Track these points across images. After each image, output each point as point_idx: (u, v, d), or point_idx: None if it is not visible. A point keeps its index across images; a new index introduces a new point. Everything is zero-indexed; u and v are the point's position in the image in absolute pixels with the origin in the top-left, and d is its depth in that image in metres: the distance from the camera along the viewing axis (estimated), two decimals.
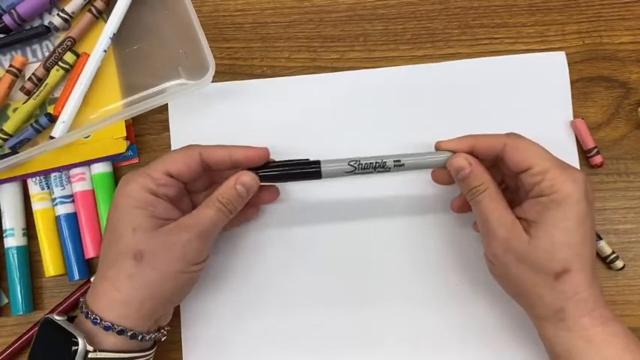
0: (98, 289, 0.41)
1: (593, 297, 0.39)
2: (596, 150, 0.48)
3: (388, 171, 0.43)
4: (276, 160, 0.45)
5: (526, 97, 0.49)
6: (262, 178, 0.44)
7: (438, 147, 0.44)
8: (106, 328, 0.39)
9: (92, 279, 0.48)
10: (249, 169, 0.43)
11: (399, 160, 0.43)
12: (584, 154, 0.49)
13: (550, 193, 0.39)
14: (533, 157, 0.41)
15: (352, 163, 0.43)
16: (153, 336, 0.42)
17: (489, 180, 0.42)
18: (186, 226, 0.41)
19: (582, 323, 0.39)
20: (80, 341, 0.39)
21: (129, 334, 0.40)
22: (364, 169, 0.43)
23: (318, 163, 0.43)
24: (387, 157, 0.43)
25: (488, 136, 0.43)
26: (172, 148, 0.50)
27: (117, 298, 0.40)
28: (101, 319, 0.40)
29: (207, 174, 0.45)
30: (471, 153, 0.43)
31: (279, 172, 0.44)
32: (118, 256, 0.40)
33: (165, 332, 0.44)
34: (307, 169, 0.43)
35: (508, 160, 0.41)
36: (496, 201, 0.41)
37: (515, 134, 0.42)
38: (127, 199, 0.41)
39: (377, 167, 0.43)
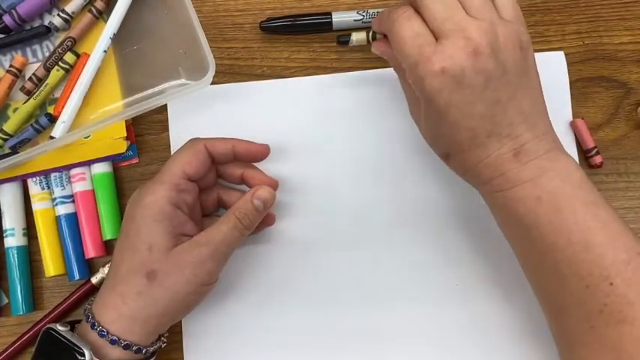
0: (107, 301, 0.41)
1: (487, 169, 0.38)
2: (595, 150, 0.48)
3: None
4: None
5: None
6: (274, 29, 0.48)
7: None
8: (112, 342, 0.40)
9: (93, 280, 0.48)
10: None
11: None
12: (584, 154, 0.49)
13: (415, 90, 0.39)
14: (401, 56, 0.39)
15: (360, 12, 0.48)
16: (155, 347, 0.42)
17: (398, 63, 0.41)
18: (200, 244, 0.41)
19: (492, 186, 0.39)
20: (87, 353, 0.39)
21: (134, 348, 0.40)
22: (372, 17, 0.48)
23: (329, 14, 0.49)
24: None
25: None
26: (172, 149, 0.50)
27: (125, 312, 0.40)
28: (108, 332, 0.40)
29: (212, 168, 0.46)
30: None
31: (291, 22, 0.48)
32: (130, 271, 0.41)
33: (164, 340, 0.44)
34: (319, 20, 0.49)
35: None
36: (407, 84, 0.41)
37: (395, 14, 0.39)
38: (146, 211, 0.41)
39: None
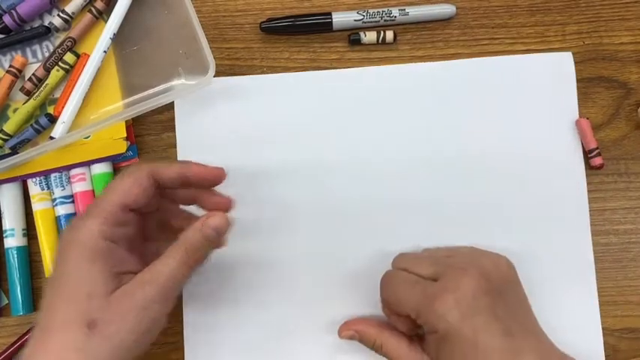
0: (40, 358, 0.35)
1: None
2: (597, 151, 0.48)
3: (394, 20, 0.49)
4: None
5: (532, 97, 0.49)
6: (275, 29, 0.49)
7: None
8: None
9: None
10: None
11: (403, 9, 0.49)
12: (585, 154, 0.49)
13: (433, 332, 0.38)
14: (403, 305, 0.40)
15: (361, 12, 0.48)
16: None
17: (380, 334, 0.43)
18: (144, 283, 0.36)
19: None
20: None
21: None
22: (372, 17, 0.48)
23: (329, 14, 0.49)
24: (393, 7, 0.49)
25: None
26: (179, 149, 0.50)
27: None
28: None
29: (157, 193, 0.40)
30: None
31: (291, 22, 0.49)
32: (67, 323, 0.35)
33: None
34: (319, 20, 0.49)
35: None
36: (397, 351, 0.42)
37: (384, 278, 0.43)
38: (79, 250, 0.36)
39: (384, 16, 0.49)
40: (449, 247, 0.45)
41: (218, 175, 0.40)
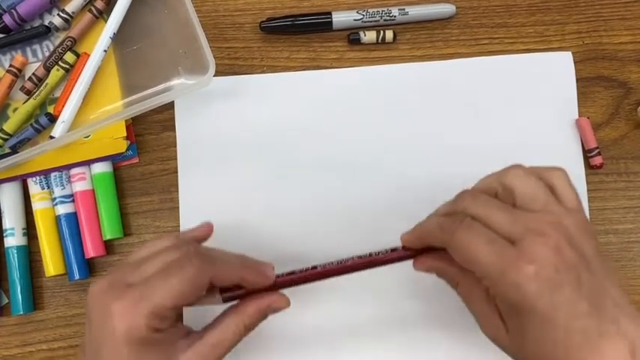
0: None
1: None
2: (597, 151, 0.48)
3: (394, 19, 0.49)
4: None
5: (531, 96, 0.49)
6: (274, 29, 0.49)
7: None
8: None
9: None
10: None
11: (403, 9, 0.49)
12: (585, 154, 0.49)
13: (503, 301, 0.35)
14: (474, 262, 0.35)
15: (360, 11, 0.48)
16: None
17: (455, 275, 0.39)
18: (214, 347, 0.37)
19: None
20: None
21: None
22: (372, 16, 0.49)
23: (329, 13, 0.49)
24: (393, 7, 0.50)
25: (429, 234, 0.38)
26: (179, 147, 0.50)
27: None
28: None
29: None
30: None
31: (291, 22, 0.49)
32: None
33: None
34: (319, 19, 0.49)
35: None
36: (471, 297, 0.38)
37: (450, 225, 0.37)
38: (124, 342, 0.35)
39: (383, 15, 0.49)
40: (499, 174, 0.38)
41: (270, 278, 0.39)
